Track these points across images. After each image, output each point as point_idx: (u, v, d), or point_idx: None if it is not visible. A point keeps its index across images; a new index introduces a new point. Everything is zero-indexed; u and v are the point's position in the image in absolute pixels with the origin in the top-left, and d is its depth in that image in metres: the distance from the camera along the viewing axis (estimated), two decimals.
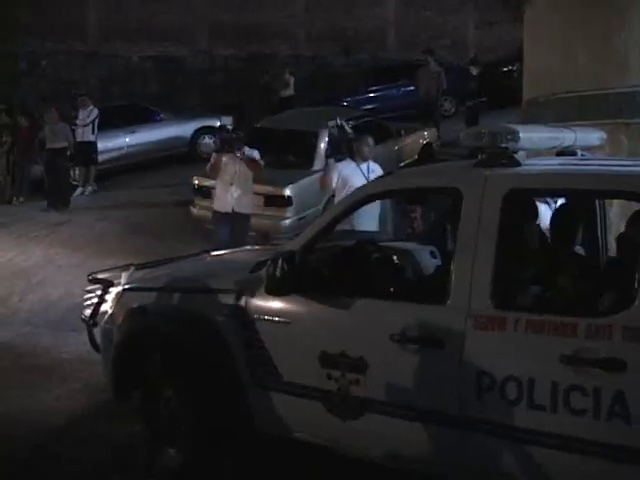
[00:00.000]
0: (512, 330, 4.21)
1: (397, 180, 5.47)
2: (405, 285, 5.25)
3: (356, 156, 9.50)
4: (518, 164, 4.62)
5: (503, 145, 4.59)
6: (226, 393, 5.29)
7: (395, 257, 5.63)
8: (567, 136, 5.23)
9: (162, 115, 20.46)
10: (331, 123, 10.80)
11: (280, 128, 13.67)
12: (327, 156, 10.19)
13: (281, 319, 5.07)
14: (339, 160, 9.65)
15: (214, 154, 10.78)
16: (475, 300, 4.36)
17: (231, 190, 10.38)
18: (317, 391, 4.91)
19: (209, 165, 10.81)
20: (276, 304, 5.07)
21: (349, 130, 10.76)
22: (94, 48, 24.94)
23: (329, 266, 5.27)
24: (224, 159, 10.39)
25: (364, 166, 9.37)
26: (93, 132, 17.69)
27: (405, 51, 24.69)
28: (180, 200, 14.42)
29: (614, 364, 3.91)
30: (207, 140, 19.78)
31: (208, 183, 12.14)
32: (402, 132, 15.26)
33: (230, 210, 10.37)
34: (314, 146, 12.55)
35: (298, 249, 5.04)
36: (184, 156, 19.47)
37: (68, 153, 16.83)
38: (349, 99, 21.88)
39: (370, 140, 9.62)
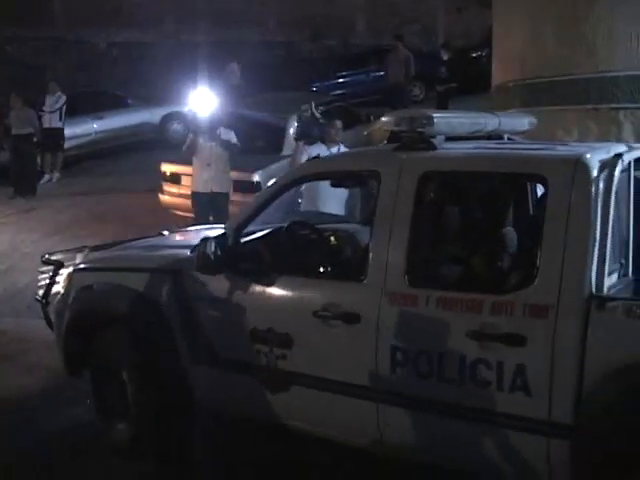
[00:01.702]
0: (424, 307, 4.41)
1: (324, 163, 5.72)
2: (329, 264, 5.38)
3: (326, 140, 9.49)
4: (434, 148, 4.80)
5: (419, 130, 4.73)
6: (167, 370, 5.48)
7: (327, 237, 5.82)
8: (490, 121, 5.34)
9: (130, 101, 20.35)
10: (304, 107, 10.76)
11: (249, 113, 13.53)
12: (297, 139, 10.14)
13: (215, 297, 5.26)
14: (309, 144, 9.63)
15: (190, 135, 10.88)
16: (390, 278, 4.55)
17: (209, 170, 10.52)
18: (249, 366, 5.12)
19: (185, 145, 10.90)
20: (210, 283, 5.26)
21: (318, 115, 10.71)
22: (61, 34, 24.69)
23: (261, 246, 5.43)
24: (200, 140, 10.51)
25: (334, 149, 9.34)
26: (60, 118, 17.54)
27: (375, 37, 24.65)
28: (149, 186, 14.30)
29: (515, 339, 4.10)
30: (176, 126, 19.69)
31: (177, 169, 12.08)
32: (371, 117, 15.21)
33: (209, 190, 10.50)
34: (283, 131, 12.48)
35: (231, 230, 5.29)
36: (153, 142, 19.35)
37: (34, 139, 16.67)
38: (318, 84, 21.80)
39: (339, 124, 9.64)
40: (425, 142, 4.79)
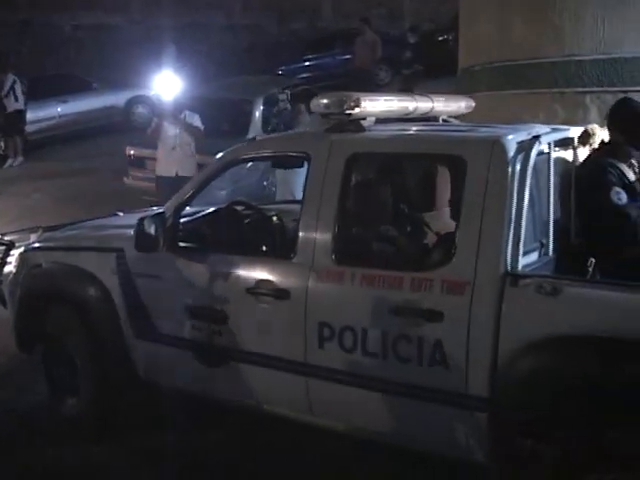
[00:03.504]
0: (349, 284, 4.57)
1: (258, 145, 5.79)
2: (263, 243, 5.49)
3: (294, 124, 9.41)
4: (362, 130, 4.93)
5: (348, 112, 4.83)
6: (112, 345, 5.67)
7: (264, 217, 5.95)
8: (422, 104, 5.47)
9: (95, 84, 20.12)
10: (278, 91, 10.72)
11: (215, 96, 13.44)
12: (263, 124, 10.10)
13: (154, 275, 5.46)
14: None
15: (155, 118, 10.85)
16: (318, 256, 4.72)
17: (173, 154, 10.43)
18: (187, 342, 5.31)
19: (150, 129, 10.83)
20: (150, 261, 5.43)
21: (285, 99, 10.65)
22: (26, 18, 24.28)
23: (200, 225, 5.71)
24: (165, 123, 10.45)
25: None
26: (17, 100, 17.25)
27: (341, 20, 24.50)
28: (115, 170, 14.11)
29: (433, 315, 4.24)
30: (141, 109, 19.51)
31: (142, 153, 11.96)
32: None
33: (174, 174, 10.36)
34: (249, 115, 12.37)
35: (170, 209, 5.45)
36: (118, 125, 19.17)
37: None
38: (284, 68, 21.66)
39: (303, 107, 9.51)
40: (353, 124, 4.92)
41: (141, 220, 5.25)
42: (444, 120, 5.80)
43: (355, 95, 4.87)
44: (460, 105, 5.95)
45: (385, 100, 5.32)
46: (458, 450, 4.33)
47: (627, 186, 4.94)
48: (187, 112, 10.56)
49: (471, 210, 4.28)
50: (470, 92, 9.10)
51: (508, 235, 4.14)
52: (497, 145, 4.31)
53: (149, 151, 11.48)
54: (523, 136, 4.44)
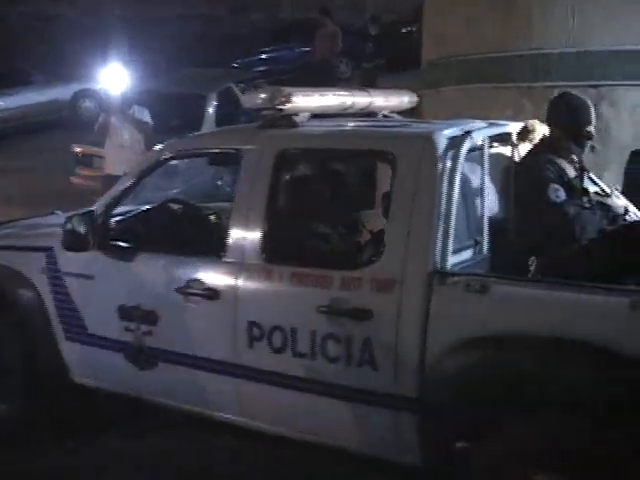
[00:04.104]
0: (278, 282, 4.64)
1: (189, 142, 5.89)
2: (195, 241, 5.48)
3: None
4: (294, 125, 4.98)
5: (279, 107, 4.91)
6: (42, 348, 5.67)
7: (196, 215, 6.04)
8: (360, 99, 5.54)
9: (39, 77, 19.94)
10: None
11: (166, 90, 13.31)
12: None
13: (84, 274, 5.47)
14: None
15: (102, 114, 10.67)
16: (248, 254, 4.77)
17: (122, 152, 10.22)
18: (118, 343, 5.32)
19: (97, 125, 10.65)
20: (80, 260, 5.43)
21: (239, 93, 10.59)
22: None
23: (132, 224, 5.72)
24: (113, 119, 10.27)
25: None
26: None
27: (301, 11, 24.38)
28: (60, 168, 13.89)
29: (362, 313, 4.28)
30: (87, 103, 19.31)
31: (89, 151, 11.82)
32: None
33: (122, 173, 10.08)
34: (202, 110, 12.26)
35: (100, 208, 5.45)
36: (64, 120, 19.00)
37: None
38: (240, 61, 21.50)
39: None
40: (285, 120, 4.98)
41: (69, 218, 5.28)
42: (384, 116, 5.86)
43: (286, 90, 4.93)
44: (402, 100, 6.02)
45: (320, 95, 5.31)
46: (390, 452, 4.36)
47: (566, 183, 4.94)
48: (136, 107, 10.37)
49: (400, 207, 4.33)
50: (434, 86, 9.07)
51: (437, 232, 4.19)
52: (428, 141, 4.38)
53: (96, 149, 11.32)
54: (456, 132, 4.50)
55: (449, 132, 4.48)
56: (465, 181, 4.55)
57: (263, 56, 22.38)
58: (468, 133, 4.46)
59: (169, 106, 12.59)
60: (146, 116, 10.41)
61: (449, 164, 4.28)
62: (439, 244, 4.19)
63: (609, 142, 7.91)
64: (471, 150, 4.45)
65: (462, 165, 4.32)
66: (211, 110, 12.15)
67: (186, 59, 21.07)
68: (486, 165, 4.64)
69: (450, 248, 4.21)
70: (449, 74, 9.18)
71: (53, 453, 5.74)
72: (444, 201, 4.21)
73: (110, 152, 10.45)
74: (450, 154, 4.32)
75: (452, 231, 4.21)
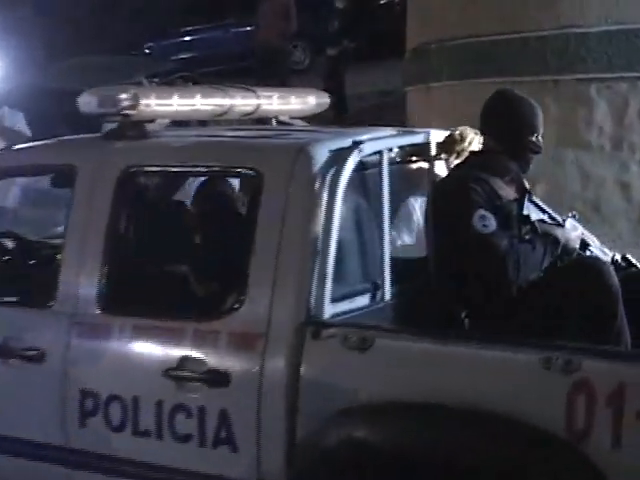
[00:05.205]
0: (117, 339, 4.73)
1: (12, 156, 5.89)
2: (22, 286, 5.54)
3: None
4: (145, 136, 5.11)
5: (125, 113, 5.00)
6: None
7: (34, 254, 6.15)
8: (240, 102, 5.68)
9: None
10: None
11: (50, 86, 13.38)
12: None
13: None
14: None
15: None
16: (82, 303, 4.84)
17: None
18: None
19: None
20: None
21: None
22: None
23: None
24: None
25: None
26: None
27: None
28: None
29: (218, 377, 4.37)
30: None
31: None
32: None
33: None
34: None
35: None
36: None
37: None
38: (153, 45, 21.67)
39: None
40: (136, 129, 5.08)
41: None
42: (279, 122, 6.01)
43: (133, 90, 5.06)
44: (307, 102, 6.16)
45: (180, 97, 5.45)
46: None
47: (499, 209, 4.93)
48: (6, 109, 10.52)
49: (266, 240, 4.43)
50: (423, 81, 9.22)
51: (312, 272, 4.30)
52: (300, 154, 4.51)
53: None
54: (343, 143, 4.61)
55: (332, 143, 4.61)
56: (357, 207, 4.72)
57: (186, 38, 22.50)
58: (357, 144, 4.55)
59: (53, 108, 12.64)
60: (20, 121, 10.54)
61: (329, 184, 4.39)
62: (314, 287, 4.29)
63: None
64: (366, 166, 4.62)
65: (348, 186, 4.42)
66: None
67: (79, 44, 21.18)
68: (386, 186, 4.73)
69: (328, 292, 4.31)
70: (441, 64, 9.29)
71: None
72: (321, 232, 4.32)
73: None
74: (332, 171, 4.42)
75: (331, 270, 4.31)
